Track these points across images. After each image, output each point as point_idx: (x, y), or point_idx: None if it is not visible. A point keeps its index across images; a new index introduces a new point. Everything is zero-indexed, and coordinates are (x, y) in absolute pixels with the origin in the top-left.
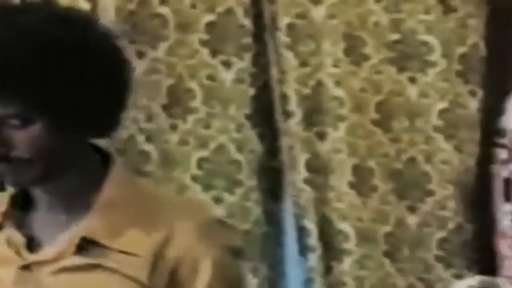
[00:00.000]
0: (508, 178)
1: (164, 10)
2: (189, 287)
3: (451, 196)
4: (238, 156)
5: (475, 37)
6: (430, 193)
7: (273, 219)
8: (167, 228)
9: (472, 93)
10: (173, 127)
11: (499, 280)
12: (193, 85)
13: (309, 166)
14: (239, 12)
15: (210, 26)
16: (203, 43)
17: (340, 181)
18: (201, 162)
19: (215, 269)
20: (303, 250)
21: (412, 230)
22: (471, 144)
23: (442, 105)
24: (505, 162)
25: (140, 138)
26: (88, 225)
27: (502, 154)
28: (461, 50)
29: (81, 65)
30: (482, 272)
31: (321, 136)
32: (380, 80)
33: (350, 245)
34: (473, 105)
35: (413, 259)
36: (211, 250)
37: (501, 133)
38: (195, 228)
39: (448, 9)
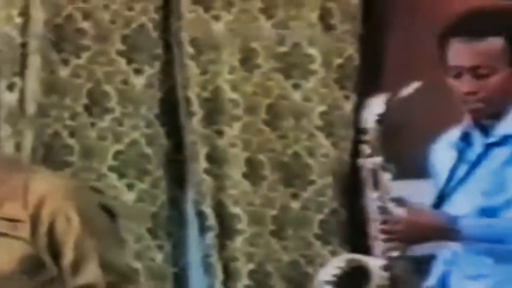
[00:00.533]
0: (374, 169)
1: (86, 24)
2: (64, 237)
3: (329, 185)
4: (148, 150)
5: (350, 50)
6: (311, 182)
7: (177, 204)
8: (40, 192)
9: (347, 97)
10: (93, 125)
11: (367, 258)
12: (110, 88)
13: (209, 159)
14: (150, 27)
15: (125, 38)
16: (119, 53)
17: (235, 171)
18: (116, 154)
19: (83, 220)
20: (202, 230)
21: (295, 213)
22: (346, 141)
23: (322, 107)
24: (369, 156)
25: (64, 133)
26: None
27: (366, 149)
28: (338, 61)
29: None
30: (355, 250)
31: (219, 133)
32: (269, 86)
33: (242, 226)
34: (348, 107)
35: (296, 237)
36: (79, 205)
37: (364, 131)
38: (65, 189)
39: (328, 27)
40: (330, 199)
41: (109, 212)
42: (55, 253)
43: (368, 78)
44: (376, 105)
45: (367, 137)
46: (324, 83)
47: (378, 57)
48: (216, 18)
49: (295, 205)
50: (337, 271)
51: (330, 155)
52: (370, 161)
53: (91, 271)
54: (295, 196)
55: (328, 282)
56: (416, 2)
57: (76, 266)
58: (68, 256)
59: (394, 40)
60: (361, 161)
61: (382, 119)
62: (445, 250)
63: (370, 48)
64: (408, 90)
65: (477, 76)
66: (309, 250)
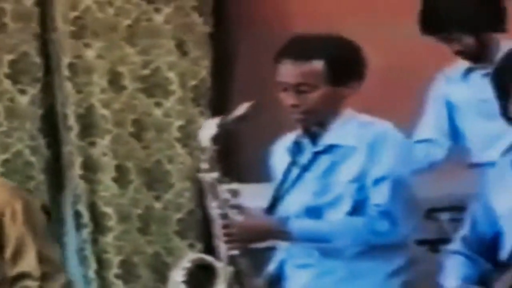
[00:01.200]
0: (213, 183)
1: None
2: (10, 228)
3: (186, 188)
4: (32, 159)
5: (203, 73)
6: (171, 186)
7: (57, 205)
8: None
9: (202, 113)
10: None
11: (212, 258)
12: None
13: (83, 166)
14: (33, 53)
15: (11, 63)
16: (6, 75)
17: (106, 176)
18: (4, 162)
19: (27, 217)
20: (78, 227)
21: (158, 213)
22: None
23: (180, 122)
24: (207, 171)
25: None
26: None
27: (205, 165)
28: (193, 82)
29: None
30: (209, 244)
31: (92, 144)
32: (135, 104)
33: (112, 223)
34: (202, 122)
35: (158, 233)
36: (25, 203)
37: (202, 149)
38: (11, 187)
39: (184, 53)
40: (188, 201)
41: (48, 214)
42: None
43: (219, 97)
44: (209, 127)
45: (205, 155)
46: (181, 101)
47: (227, 79)
48: (88, 45)
49: (157, 205)
50: (187, 271)
51: (186, 162)
52: (208, 176)
53: (29, 262)
54: (157, 198)
55: (182, 282)
56: (258, 31)
57: (16, 257)
58: (10, 247)
59: (242, 64)
60: (201, 175)
61: (216, 139)
62: (282, 243)
63: (220, 71)
64: (241, 110)
65: (299, 92)
66: (169, 243)
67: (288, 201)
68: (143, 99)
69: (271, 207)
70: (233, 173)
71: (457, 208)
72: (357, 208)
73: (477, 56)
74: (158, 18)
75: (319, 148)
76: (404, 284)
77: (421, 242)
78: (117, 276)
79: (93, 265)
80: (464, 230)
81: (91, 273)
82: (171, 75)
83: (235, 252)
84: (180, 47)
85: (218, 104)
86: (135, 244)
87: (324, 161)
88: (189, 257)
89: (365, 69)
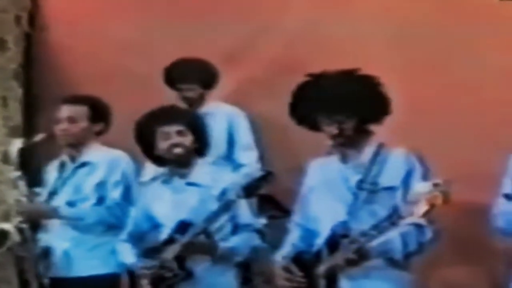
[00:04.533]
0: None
1: None
2: None
3: None
4: None
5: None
6: None
7: None
8: None
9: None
10: None
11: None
12: None
13: None
14: None
15: None
16: None
17: None
18: None
19: None
20: None
21: None
22: None
23: None
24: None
25: None
26: None
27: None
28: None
29: None
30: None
31: None
32: None
33: None
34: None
35: None
36: None
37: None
38: None
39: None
40: None
41: None
42: None
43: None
44: (16, 145)
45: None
46: None
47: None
48: None
49: None
50: None
51: None
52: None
53: None
54: None
55: None
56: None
57: None
58: None
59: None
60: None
61: (21, 154)
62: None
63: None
64: (38, 137)
65: (70, 122)
66: None
67: (57, 197)
68: None
69: (48, 200)
70: (31, 179)
71: None
72: (100, 201)
73: None
74: None
75: (77, 164)
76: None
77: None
78: None
79: None
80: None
81: None
82: None
83: (24, 225)
84: None
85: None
86: None
87: (79, 173)
88: None
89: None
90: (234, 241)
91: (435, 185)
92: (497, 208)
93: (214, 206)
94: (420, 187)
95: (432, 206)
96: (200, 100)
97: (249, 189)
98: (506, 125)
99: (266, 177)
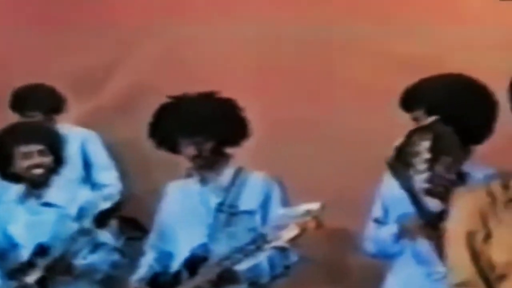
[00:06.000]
0: None
1: None
2: None
3: None
4: None
5: None
6: None
7: None
8: None
9: None
10: None
11: None
12: None
13: None
14: None
15: None
16: None
17: None
18: None
19: None
20: None
21: None
22: None
23: None
24: None
25: None
26: None
27: None
28: None
29: None
30: None
31: None
32: None
33: None
34: None
35: None
36: None
37: None
38: None
39: None
40: None
41: None
42: None
43: None
44: None
45: None
46: None
47: None
48: None
49: None
50: None
51: None
52: None
53: None
54: None
55: None
56: None
57: None
58: None
59: None
60: None
61: None
62: None
63: None
64: None
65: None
66: None
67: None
68: None
69: None
70: None
71: None
72: None
73: None
74: None
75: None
76: None
77: None
78: None
79: None
80: None
81: None
82: None
83: None
84: None
85: None
86: None
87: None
88: None
89: None
90: (92, 258)
91: (308, 210)
92: (367, 233)
93: (71, 226)
94: (290, 211)
95: (303, 230)
96: (49, 122)
97: (101, 220)
98: (374, 149)
99: (120, 204)
